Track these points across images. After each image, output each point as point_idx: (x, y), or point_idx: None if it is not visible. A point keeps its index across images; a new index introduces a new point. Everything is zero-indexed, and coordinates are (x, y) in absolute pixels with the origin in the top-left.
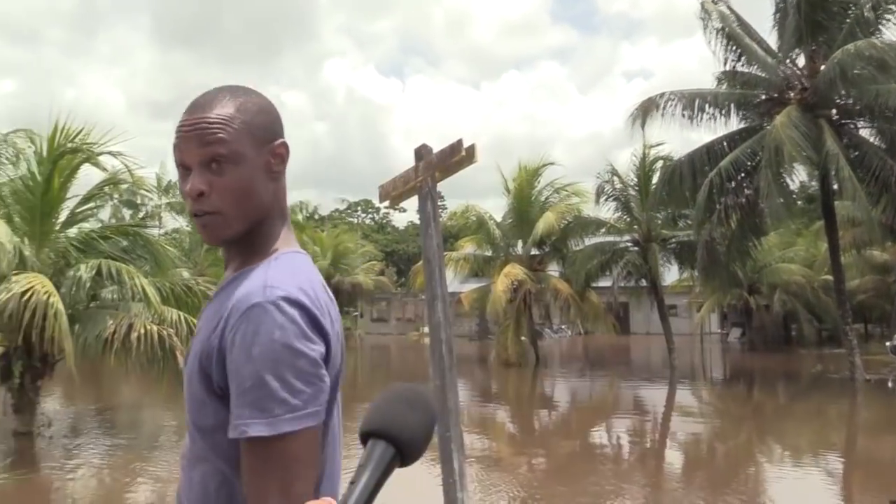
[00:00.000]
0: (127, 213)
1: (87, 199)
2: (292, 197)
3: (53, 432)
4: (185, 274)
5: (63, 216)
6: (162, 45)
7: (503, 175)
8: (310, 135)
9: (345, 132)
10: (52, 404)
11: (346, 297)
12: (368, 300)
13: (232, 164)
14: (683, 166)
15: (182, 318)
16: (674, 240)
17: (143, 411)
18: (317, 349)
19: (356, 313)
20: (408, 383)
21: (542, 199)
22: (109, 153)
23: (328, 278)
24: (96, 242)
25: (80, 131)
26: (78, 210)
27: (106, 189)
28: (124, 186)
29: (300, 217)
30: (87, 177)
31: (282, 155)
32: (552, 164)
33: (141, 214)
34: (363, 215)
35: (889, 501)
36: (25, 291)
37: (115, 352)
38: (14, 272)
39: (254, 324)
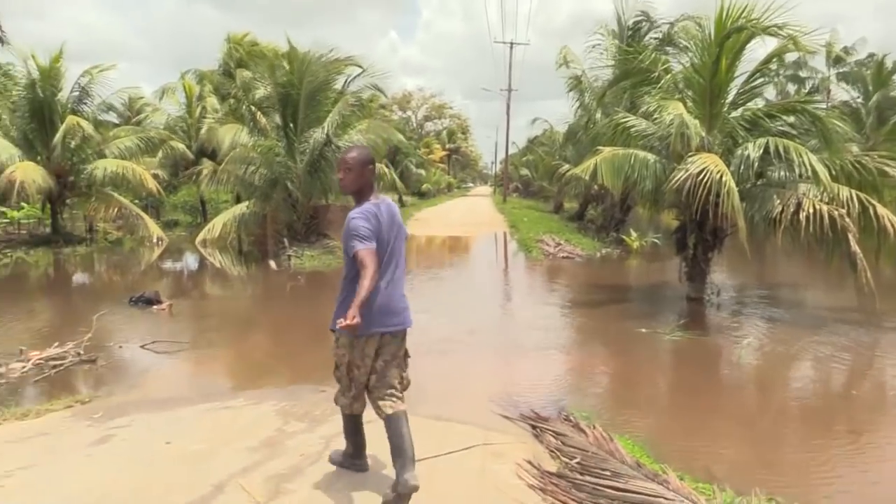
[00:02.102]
0: (791, 88)
1: (751, 77)
2: None
3: (721, 301)
4: (855, 149)
5: (730, 97)
6: None
7: None
8: None
9: None
10: (719, 275)
11: None
12: None
13: (351, 171)
14: None
15: (854, 195)
16: None
17: (806, 291)
18: (365, 229)
19: None
20: None
21: None
22: (774, 27)
23: None
24: (762, 121)
25: (745, 9)
26: (743, 90)
27: (770, 65)
28: (790, 60)
29: None
30: (752, 55)
31: (371, 170)
32: None
33: (806, 90)
34: None
35: None
36: (700, 171)
37: (783, 230)
38: (689, 153)
39: (349, 219)
